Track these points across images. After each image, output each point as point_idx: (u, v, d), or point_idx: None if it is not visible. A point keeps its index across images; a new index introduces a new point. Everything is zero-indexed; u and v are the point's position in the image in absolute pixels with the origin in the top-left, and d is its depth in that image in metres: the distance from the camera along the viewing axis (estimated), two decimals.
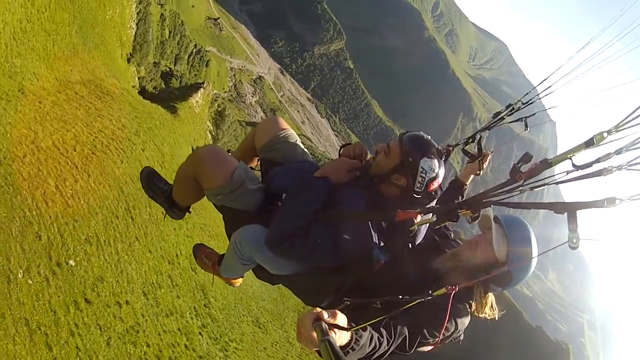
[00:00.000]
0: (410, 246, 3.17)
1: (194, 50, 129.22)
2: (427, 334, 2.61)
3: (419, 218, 2.88)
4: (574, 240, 1.90)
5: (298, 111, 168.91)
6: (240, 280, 4.27)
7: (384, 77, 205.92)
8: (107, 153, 11.94)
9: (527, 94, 3.87)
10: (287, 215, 3.06)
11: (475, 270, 2.77)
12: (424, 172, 3.03)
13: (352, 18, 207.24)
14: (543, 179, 2.20)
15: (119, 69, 18.56)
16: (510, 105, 3.81)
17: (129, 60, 27.68)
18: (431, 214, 2.83)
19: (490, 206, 2.47)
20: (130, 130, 14.70)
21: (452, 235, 3.52)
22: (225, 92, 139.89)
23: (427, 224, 3.16)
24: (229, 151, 3.83)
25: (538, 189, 2.24)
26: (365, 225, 2.96)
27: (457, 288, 2.22)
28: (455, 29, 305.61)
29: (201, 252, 4.35)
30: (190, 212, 3.96)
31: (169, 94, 42.19)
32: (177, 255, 12.23)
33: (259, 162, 3.92)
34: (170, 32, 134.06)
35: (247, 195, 3.31)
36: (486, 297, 2.83)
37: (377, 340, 2.25)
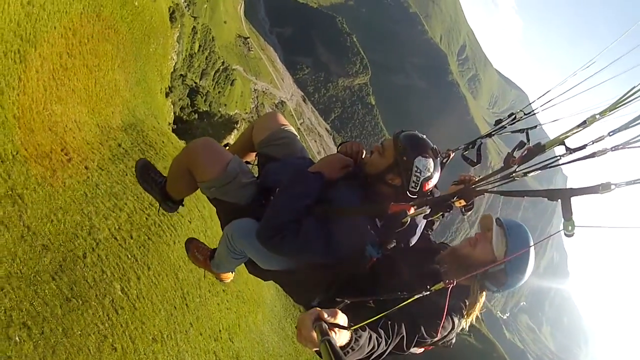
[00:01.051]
0: (405, 246, 3.18)
1: (221, 67, 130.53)
2: (424, 332, 2.61)
3: (412, 210, 2.81)
4: (569, 228, 1.85)
5: (315, 141, 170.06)
6: (230, 275, 4.30)
7: (404, 116, 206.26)
8: (161, 235, 11.36)
9: (529, 104, 3.86)
10: (278, 209, 3.02)
11: (472, 267, 2.74)
12: (418, 171, 3.01)
13: (378, 54, 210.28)
14: (537, 164, 2.19)
15: (157, 105, 19.06)
16: (512, 114, 3.80)
17: (167, 95, 27.95)
18: (425, 206, 2.76)
19: (484, 195, 2.48)
20: None
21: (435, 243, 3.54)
22: (246, 112, 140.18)
23: (423, 223, 3.27)
24: (226, 145, 3.82)
25: (532, 174, 2.23)
26: (358, 221, 2.97)
27: (455, 282, 2.18)
28: (479, 74, 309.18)
29: (193, 247, 4.36)
30: (183, 205, 3.97)
31: (202, 131, 43.25)
32: (219, 330, 12.31)
33: (256, 157, 3.87)
34: (200, 46, 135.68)
35: (240, 189, 3.30)
36: (480, 296, 2.86)
37: (375, 341, 2.26)
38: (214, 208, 3.65)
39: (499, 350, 75.85)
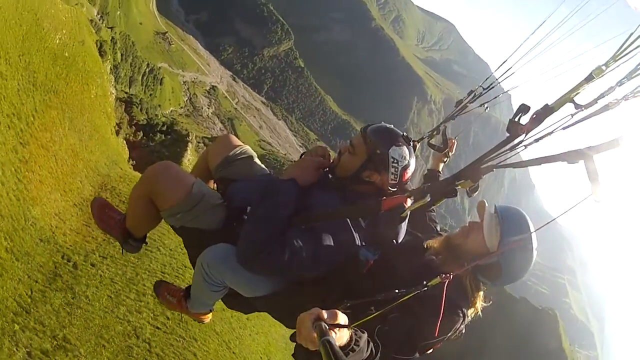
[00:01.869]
0: (395, 241, 3.01)
1: (147, 69, 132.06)
2: (426, 333, 2.44)
3: (408, 202, 2.73)
4: (599, 193, 1.68)
5: (254, 116, 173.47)
6: (209, 315, 3.94)
7: (336, 72, 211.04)
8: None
9: (487, 78, 3.71)
10: (258, 224, 2.75)
11: (465, 258, 2.60)
12: (395, 161, 2.88)
13: (297, 17, 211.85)
14: (546, 128, 2.00)
15: (113, 149, 18.47)
16: (471, 92, 3.68)
17: (117, 133, 27.54)
18: (425, 195, 2.59)
19: (493, 170, 2.24)
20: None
21: (438, 228, 3.45)
22: (181, 107, 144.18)
23: (406, 219, 3.00)
24: None
25: (544, 139, 2.02)
26: (346, 224, 2.78)
27: (452, 276, 2.12)
28: (401, 14, 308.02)
29: (163, 290, 3.96)
30: (146, 244, 3.66)
31: (159, 156, 42.46)
32: (260, 357, 12.92)
33: (214, 185, 3.58)
34: (122, 54, 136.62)
35: (208, 212, 3.03)
36: (477, 292, 2.67)
37: (373, 348, 2.17)
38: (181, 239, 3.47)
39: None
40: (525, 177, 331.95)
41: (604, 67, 1.88)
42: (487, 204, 2.71)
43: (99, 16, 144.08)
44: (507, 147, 2.16)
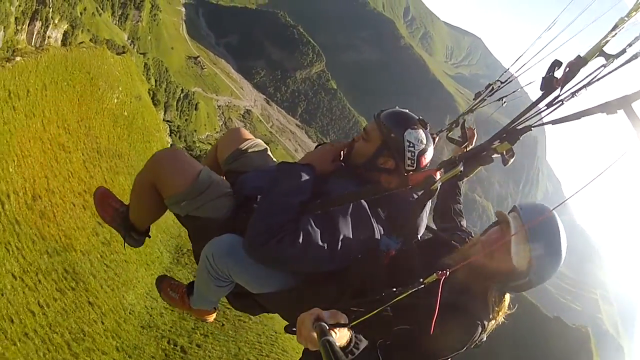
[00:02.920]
0: (414, 235, 2.84)
1: (182, 95, 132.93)
2: (424, 338, 2.21)
3: (438, 175, 2.49)
4: None
5: (290, 139, 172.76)
6: (213, 315, 3.81)
7: (368, 92, 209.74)
8: (236, 315, 13.46)
9: (505, 72, 3.73)
10: (269, 210, 2.58)
11: (490, 277, 2.42)
12: (411, 145, 2.74)
13: (327, 37, 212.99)
14: (581, 81, 1.98)
15: None
16: (489, 85, 3.65)
17: None
18: (459, 163, 2.40)
19: (531, 129, 2.13)
20: None
21: (464, 223, 3.25)
22: (217, 132, 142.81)
23: (428, 208, 2.82)
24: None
25: (580, 92, 1.98)
26: (364, 212, 2.66)
27: (448, 273, 2.00)
28: (429, 31, 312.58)
29: (166, 285, 3.85)
30: (149, 237, 3.58)
31: None
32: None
33: (224, 177, 3.37)
34: (156, 80, 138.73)
35: (216, 200, 2.88)
36: (502, 303, 2.51)
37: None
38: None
39: (525, 297, 79.83)
40: (557, 191, 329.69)
41: (626, 18, 1.98)
42: (509, 219, 2.38)
43: (129, 41, 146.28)
44: (543, 103, 2.09)
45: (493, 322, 2.49)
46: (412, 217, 2.69)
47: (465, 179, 3.42)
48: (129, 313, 9.90)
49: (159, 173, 2.90)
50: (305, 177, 2.71)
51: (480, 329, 2.37)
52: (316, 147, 3.18)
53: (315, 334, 1.72)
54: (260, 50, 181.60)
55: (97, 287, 9.90)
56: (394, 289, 2.09)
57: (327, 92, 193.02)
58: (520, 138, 2.14)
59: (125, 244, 3.50)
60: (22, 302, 9.11)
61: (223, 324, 13.47)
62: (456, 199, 3.40)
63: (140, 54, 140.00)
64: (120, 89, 15.85)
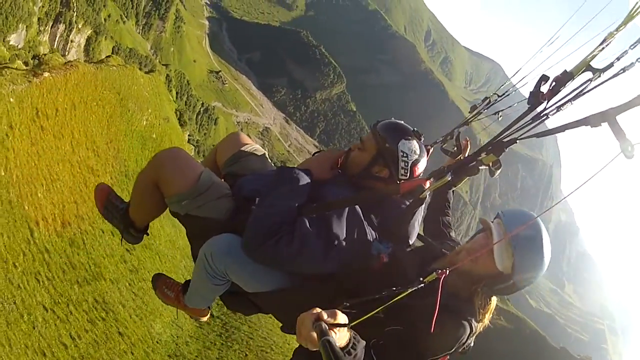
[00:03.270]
0: (405, 242, 2.98)
1: (202, 108, 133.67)
2: (421, 339, 2.34)
3: (428, 184, 2.66)
4: (629, 149, 1.66)
5: None
6: (207, 313, 3.86)
7: (387, 115, 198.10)
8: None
9: (502, 86, 3.70)
10: (267, 211, 2.70)
11: (476, 281, 2.55)
12: (405, 155, 2.88)
13: (348, 58, 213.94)
14: (567, 95, 2.03)
15: None
16: (486, 98, 3.66)
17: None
18: (446, 174, 2.51)
19: (517, 142, 2.22)
20: None
21: (452, 234, 3.36)
22: None
23: (420, 217, 3.03)
24: None
25: (565, 106, 2.03)
26: (358, 217, 2.76)
27: (448, 272, 2.13)
28: (449, 55, 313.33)
29: (161, 283, 3.88)
30: (147, 234, 3.63)
31: None
32: None
33: (223, 180, 3.46)
34: (177, 92, 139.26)
35: (215, 201, 2.98)
36: (488, 305, 2.63)
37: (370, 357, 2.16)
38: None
39: (530, 324, 79.05)
40: (570, 220, 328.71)
41: (615, 32, 2.00)
42: (492, 226, 2.57)
43: (152, 51, 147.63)
44: (529, 117, 2.19)
45: (480, 325, 2.59)
46: (403, 223, 2.89)
47: (455, 188, 3.50)
48: (157, 342, 10.09)
49: (162, 172, 3.00)
50: (302, 181, 2.86)
51: (468, 330, 2.46)
52: (314, 154, 3.35)
53: (315, 334, 1.74)
54: (282, 69, 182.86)
55: (127, 317, 10.05)
56: (394, 288, 2.20)
57: (346, 114, 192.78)
58: (506, 150, 2.25)
59: (123, 240, 3.59)
60: (54, 334, 9.11)
61: (246, 354, 13.72)
62: (445, 212, 3.53)
63: (163, 65, 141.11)
64: (149, 110, 15.99)
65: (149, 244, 13.60)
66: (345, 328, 1.89)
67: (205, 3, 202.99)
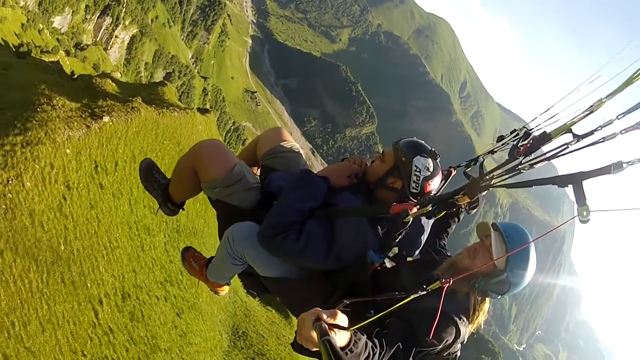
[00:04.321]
0: (407, 254, 3.25)
1: (232, 127, 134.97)
2: (421, 339, 2.54)
3: (414, 210, 2.82)
4: (584, 214, 1.78)
5: None
6: (226, 288, 4.14)
7: None
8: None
9: (532, 120, 3.70)
10: (283, 209, 3.05)
11: (473, 278, 2.76)
12: (418, 170, 3.08)
13: (382, 99, 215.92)
14: (544, 154, 2.15)
15: None
16: (514, 130, 3.75)
17: None
18: (428, 204, 2.78)
19: (489, 189, 2.47)
20: None
21: (448, 254, 3.57)
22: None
23: (427, 232, 3.36)
24: None
25: (539, 165, 2.19)
26: (360, 226, 3.01)
27: (451, 281, 2.21)
28: (481, 110, 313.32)
29: (189, 256, 4.23)
30: (183, 209, 3.98)
31: None
32: None
33: (258, 170, 3.92)
34: (211, 106, 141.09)
35: (244, 192, 3.33)
36: (483, 304, 2.85)
37: (371, 350, 2.24)
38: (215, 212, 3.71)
39: None
40: (575, 289, 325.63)
41: (604, 99, 2.08)
42: (490, 226, 2.93)
43: (192, 60, 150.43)
44: (504, 169, 2.38)
45: (470, 327, 2.82)
46: (393, 240, 3.04)
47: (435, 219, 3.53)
48: None
49: (200, 159, 3.36)
50: (318, 187, 3.19)
51: (454, 333, 2.67)
52: (341, 159, 3.66)
53: (315, 334, 1.78)
54: (317, 100, 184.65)
55: None
56: (396, 293, 2.30)
57: (372, 155, 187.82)
58: (480, 194, 2.59)
59: (159, 211, 3.99)
60: None
61: None
62: (443, 235, 3.75)
63: (202, 77, 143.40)
64: None
65: (195, 304, 13.75)
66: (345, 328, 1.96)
67: (252, 21, 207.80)
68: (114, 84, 13.20)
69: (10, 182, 7.71)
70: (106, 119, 10.31)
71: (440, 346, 2.62)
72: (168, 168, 13.01)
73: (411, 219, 2.87)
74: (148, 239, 12.10)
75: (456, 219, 3.77)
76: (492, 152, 3.76)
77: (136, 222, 11.86)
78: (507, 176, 2.38)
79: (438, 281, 2.24)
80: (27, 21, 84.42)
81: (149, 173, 3.98)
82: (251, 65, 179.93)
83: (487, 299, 2.90)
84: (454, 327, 2.68)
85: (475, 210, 2.88)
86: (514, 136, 3.58)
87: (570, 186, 1.91)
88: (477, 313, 2.84)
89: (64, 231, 8.81)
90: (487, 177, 2.61)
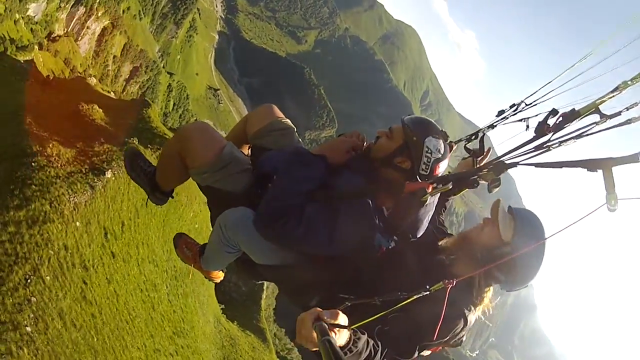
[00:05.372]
0: (412, 237, 3.10)
1: None
2: (425, 335, 2.52)
3: (430, 188, 2.72)
4: (612, 202, 1.73)
5: None
6: (221, 275, 4.08)
7: None
8: None
9: (533, 94, 3.57)
10: (280, 192, 2.90)
11: (479, 251, 2.74)
12: (429, 152, 2.95)
13: (344, 104, 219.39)
14: (572, 133, 2.09)
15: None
16: (513, 105, 3.62)
17: None
18: (448, 182, 2.68)
19: (516, 166, 2.28)
20: None
21: (448, 231, 3.54)
22: None
23: (430, 213, 3.13)
24: None
25: (567, 142, 2.10)
26: (365, 208, 2.86)
27: (455, 282, 2.15)
28: (442, 119, 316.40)
29: (182, 242, 4.13)
30: (173, 197, 3.85)
31: None
32: None
33: (249, 150, 3.74)
34: (174, 103, 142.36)
35: (235, 175, 3.18)
36: (487, 288, 2.81)
37: (372, 348, 2.24)
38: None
39: None
40: (529, 297, 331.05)
41: (630, 82, 2.07)
42: (501, 201, 2.82)
43: (159, 54, 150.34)
44: (532, 145, 2.24)
45: (476, 312, 2.81)
46: (404, 221, 3.00)
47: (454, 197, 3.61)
48: None
49: (186, 144, 3.20)
50: (316, 167, 3.06)
51: (462, 324, 2.68)
52: (339, 135, 3.56)
53: (315, 334, 1.78)
54: (279, 100, 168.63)
55: None
56: (399, 293, 2.29)
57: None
58: (506, 171, 2.37)
59: (148, 201, 3.87)
60: None
61: None
62: (441, 210, 3.71)
63: (168, 73, 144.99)
64: (197, 200, 15.84)
65: (197, 349, 13.97)
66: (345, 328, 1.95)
67: (220, 17, 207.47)
68: (100, 111, 12.61)
69: (29, 280, 7.29)
70: (109, 174, 9.87)
71: (448, 337, 2.64)
72: (166, 215, 13.32)
73: (429, 198, 2.82)
74: (156, 295, 11.84)
75: (453, 196, 3.63)
76: (492, 126, 3.73)
77: (145, 282, 11.57)
78: (535, 153, 2.21)
79: (441, 282, 2.19)
80: (5, 10, 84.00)
81: (135, 162, 3.81)
82: (216, 61, 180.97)
83: (490, 286, 2.84)
84: (463, 318, 2.66)
85: (498, 188, 2.46)
86: (513, 110, 3.56)
87: (600, 172, 1.81)
88: (481, 297, 2.79)
89: (92, 321, 8.66)
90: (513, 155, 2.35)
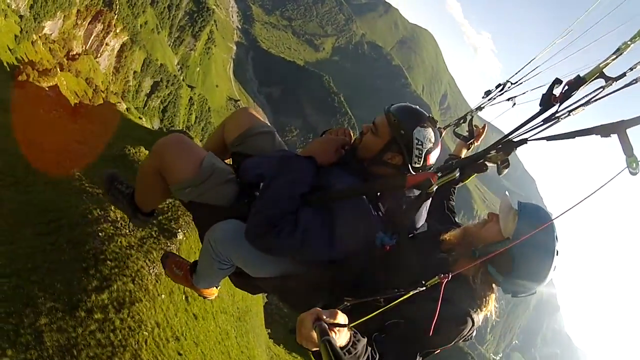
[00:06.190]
0: (411, 231, 2.94)
1: None
2: (422, 336, 2.37)
3: (436, 178, 2.59)
4: (634, 165, 1.69)
5: None
6: (215, 291, 3.91)
7: None
8: None
9: (517, 73, 3.56)
10: (270, 200, 2.70)
11: (477, 247, 2.56)
12: (420, 143, 2.79)
13: (364, 110, 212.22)
14: (579, 100, 2.05)
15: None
16: (499, 85, 3.63)
17: None
18: (455, 170, 2.57)
19: (526, 143, 2.22)
20: None
21: (456, 219, 3.42)
22: None
23: (427, 205, 2.92)
24: None
25: (576, 111, 2.04)
26: (364, 206, 2.72)
27: (450, 276, 2.10)
28: (461, 122, 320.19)
29: (170, 262, 3.94)
30: (155, 217, 3.66)
31: None
32: None
33: (230, 160, 3.50)
34: (196, 117, 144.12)
35: (219, 187, 3.01)
36: (488, 291, 2.60)
37: (370, 355, 2.20)
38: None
39: None
40: (551, 298, 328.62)
41: (629, 42, 2.07)
42: (507, 195, 2.69)
43: (178, 67, 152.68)
44: (540, 119, 2.17)
45: (482, 313, 2.58)
46: (408, 216, 2.83)
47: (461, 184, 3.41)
48: None
49: (164, 160, 3.01)
50: (306, 169, 2.83)
51: (470, 324, 2.49)
52: (322, 133, 3.30)
53: (315, 334, 1.77)
54: (299, 110, 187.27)
55: None
56: (396, 290, 2.21)
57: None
58: (515, 150, 2.28)
59: (130, 224, 3.48)
60: None
61: None
62: (450, 196, 3.57)
63: (189, 86, 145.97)
64: None
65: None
66: (346, 327, 1.93)
67: (237, 27, 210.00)
68: (147, 153, 11.75)
69: None
70: (180, 235, 9.29)
71: (456, 340, 2.53)
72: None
73: (435, 189, 2.64)
74: (229, 342, 11.72)
75: (460, 184, 3.43)
76: (479, 108, 3.68)
77: (220, 333, 11.38)
78: (544, 127, 2.14)
79: (436, 277, 2.12)
80: (21, 32, 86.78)
81: (112, 185, 3.66)
82: (235, 72, 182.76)
83: (492, 285, 2.63)
84: (470, 320, 2.50)
85: (508, 169, 2.34)
86: (500, 90, 3.56)
87: (615, 136, 1.77)
88: (484, 297, 2.58)
89: None
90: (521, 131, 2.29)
